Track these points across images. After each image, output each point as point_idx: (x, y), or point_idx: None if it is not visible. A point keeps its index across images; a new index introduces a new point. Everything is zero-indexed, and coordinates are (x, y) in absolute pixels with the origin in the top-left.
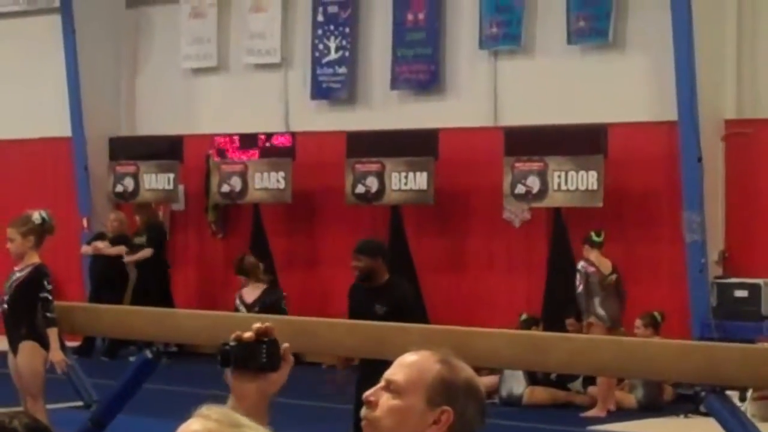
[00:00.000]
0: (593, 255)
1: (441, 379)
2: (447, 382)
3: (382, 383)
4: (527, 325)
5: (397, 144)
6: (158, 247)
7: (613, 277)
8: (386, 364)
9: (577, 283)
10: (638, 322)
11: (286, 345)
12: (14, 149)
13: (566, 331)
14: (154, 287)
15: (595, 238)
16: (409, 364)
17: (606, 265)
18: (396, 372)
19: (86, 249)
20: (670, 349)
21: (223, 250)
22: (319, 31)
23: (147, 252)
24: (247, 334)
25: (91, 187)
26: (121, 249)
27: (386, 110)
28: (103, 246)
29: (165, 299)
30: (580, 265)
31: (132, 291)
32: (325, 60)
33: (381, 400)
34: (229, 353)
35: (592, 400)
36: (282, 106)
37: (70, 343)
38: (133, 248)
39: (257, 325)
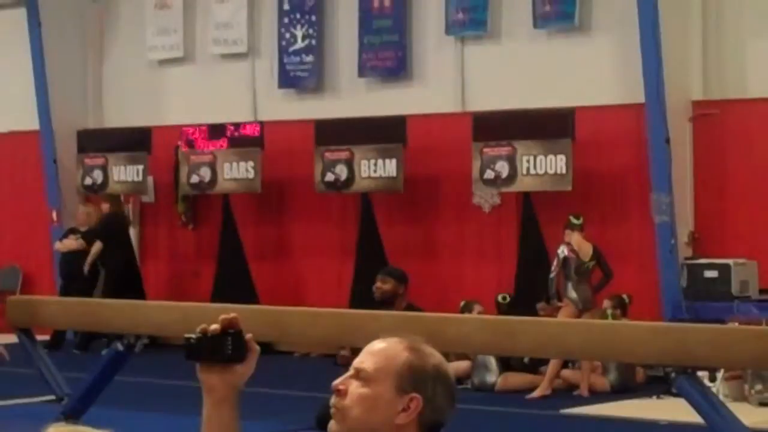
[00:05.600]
0: (574, 238)
1: (409, 366)
2: (415, 369)
3: (351, 371)
4: (509, 307)
5: (365, 131)
6: (108, 238)
7: (591, 264)
8: None
9: (553, 266)
10: (607, 303)
11: (249, 335)
12: None
13: (537, 315)
14: (125, 280)
15: (573, 221)
16: (377, 352)
17: (586, 251)
18: (364, 360)
19: (58, 246)
20: (640, 331)
21: (193, 241)
22: (285, 20)
23: (96, 247)
24: (213, 327)
25: (60, 180)
26: (80, 243)
27: (354, 98)
28: (67, 242)
29: (136, 292)
30: (560, 249)
31: (103, 285)
32: (291, 49)
33: (350, 389)
34: (194, 347)
35: (565, 384)
36: (249, 95)
37: (39, 337)
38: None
39: (223, 316)
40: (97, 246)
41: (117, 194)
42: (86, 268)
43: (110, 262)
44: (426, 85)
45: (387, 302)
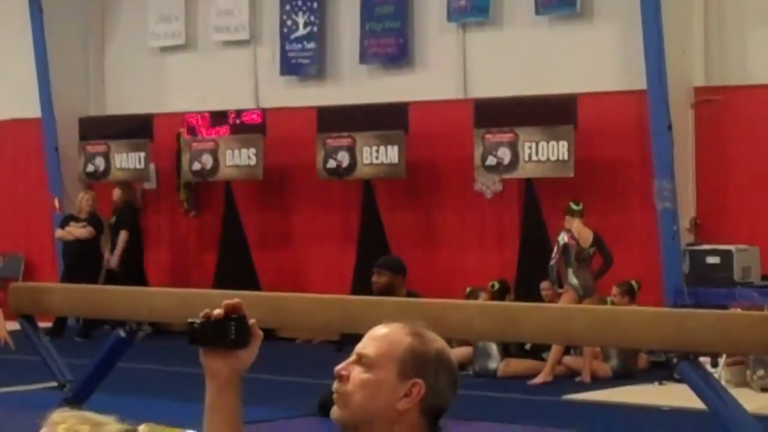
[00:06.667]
0: (575, 225)
1: (412, 351)
2: (418, 354)
3: (353, 357)
4: (501, 294)
5: (367, 118)
6: (131, 227)
7: (591, 251)
8: None
9: (553, 253)
10: (615, 290)
11: (252, 320)
12: None
13: (540, 298)
14: (128, 267)
15: (573, 207)
16: (380, 337)
17: (586, 237)
18: (367, 345)
19: (60, 233)
20: (642, 317)
21: (195, 228)
22: (287, 7)
23: (124, 236)
24: (216, 312)
25: (61, 168)
26: (90, 230)
27: (356, 85)
28: (74, 230)
29: (139, 279)
30: (561, 235)
31: (106, 272)
32: (293, 36)
33: (352, 374)
34: (197, 331)
35: (567, 370)
36: (251, 82)
37: (41, 324)
38: (110, 228)
39: (227, 301)
40: (124, 235)
41: (129, 182)
42: (116, 260)
43: (130, 252)
44: (428, 72)
45: (386, 294)
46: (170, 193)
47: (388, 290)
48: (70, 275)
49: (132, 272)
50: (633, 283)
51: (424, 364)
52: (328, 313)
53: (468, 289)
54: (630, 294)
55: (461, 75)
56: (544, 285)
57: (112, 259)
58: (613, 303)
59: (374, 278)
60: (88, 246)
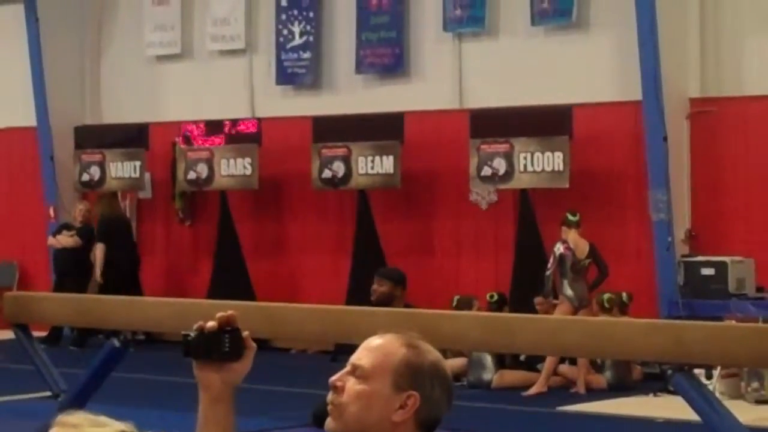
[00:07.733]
0: (571, 236)
1: (407, 362)
2: (413, 365)
3: (348, 367)
4: (499, 305)
5: (362, 128)
6: (108, 239)
7: (587, 262)
8: None
9: (549, 264)
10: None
11: (246, 332)
12: None
13: (535, 310)
14: (121, 277)
15: (570, 218)
16: (375, 348)
17: (582, 248)
18: (362, 356)
19: (50, 241)
20: (637, 329)
21: (190, 237)
22: (283, 17)
23: (100, 248)
24: (210, 324)
25: (57, 177)
26: (76, 240)
27: (351, 94)
28: (62, 238)
29: (132, 288)
30: (556, 246)
31: (103, 285)
32: (289, 45)
33: (347, 385)
34: (191, 344)
35: (563, 381)
36: (247, 92)
37: (36, 333)
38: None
39: (220, 314)
40: (100, 249)
41: (109, 194)
42: (98, 273)
43: (111, 264)
44: (423, 82)
45: (384, 304)
46: (165, 203)
47: (386, 300)
48: (61, 283)
49: (119, 282)
50: (623, 295)
51: (419, 375)
52: (323, 323)
53: (456, 299)
54: (620, 306)
55: (457, 85)
56: (538, 300)
57: (96, 272)
58: (610, 300)
59: (374, 286)
60: (77, 255)
